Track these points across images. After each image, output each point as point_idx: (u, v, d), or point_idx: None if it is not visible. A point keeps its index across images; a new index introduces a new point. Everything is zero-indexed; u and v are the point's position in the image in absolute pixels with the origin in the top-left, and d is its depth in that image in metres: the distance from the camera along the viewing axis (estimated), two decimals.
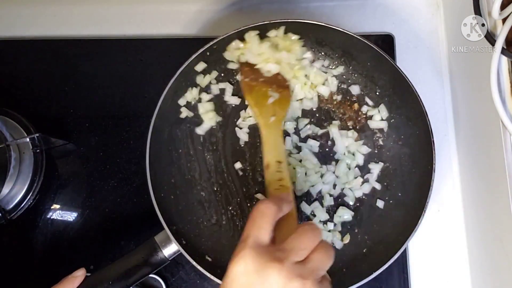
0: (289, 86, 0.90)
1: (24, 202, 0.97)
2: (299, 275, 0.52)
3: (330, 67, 0.96)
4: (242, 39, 0.89)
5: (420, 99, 0.82)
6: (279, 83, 0.89)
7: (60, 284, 0.70)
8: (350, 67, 0.95)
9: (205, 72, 0.94)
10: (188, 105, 0.94)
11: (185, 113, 0.94)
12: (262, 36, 0.89)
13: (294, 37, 0.90)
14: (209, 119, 0.95)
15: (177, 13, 1.10)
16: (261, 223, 0.57)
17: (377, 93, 0.94)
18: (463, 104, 0.98)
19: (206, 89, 0.96)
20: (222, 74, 0.96)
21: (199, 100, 0.95)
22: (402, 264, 0.93)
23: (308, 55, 0.95)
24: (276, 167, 0.74)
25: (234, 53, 0.91)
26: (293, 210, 0.66)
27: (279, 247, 0.56)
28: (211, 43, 0.86)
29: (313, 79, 0.95)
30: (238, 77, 0.93)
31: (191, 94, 0.94)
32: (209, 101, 0.96)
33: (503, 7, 0.72)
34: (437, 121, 1.00)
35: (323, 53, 0.96)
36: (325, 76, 0.96)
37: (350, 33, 0.85)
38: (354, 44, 0.88)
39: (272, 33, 0.90)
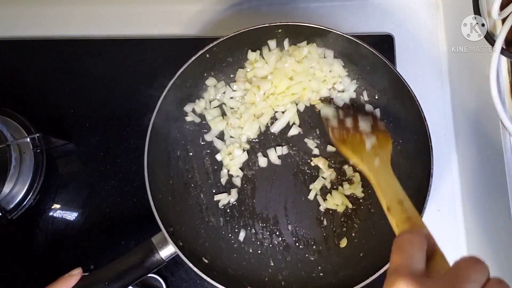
0: (385, 129, 0.85)
1: (25, 202, 0.98)
2: None
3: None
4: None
5: (419, 104, 0.82)
6: (373, 126, 0.85)
7: (56, 283, 0.69)
8: (350, 71, 0.95)
9: (214, 85, 0.96)
10: (194, 111, 0.95)
11: (191, 117, 0.95)
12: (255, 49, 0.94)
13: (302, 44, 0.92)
14: (216, 124, 0.95)
15: (178, 14, 1.10)
16: (412, 251, 0.49)
17: (376, 97, 0.94)
18: (462, 104, 0.98)
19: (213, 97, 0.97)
20: (223, 77, 0.97)
21: (205, 108, 0.96)
22: None
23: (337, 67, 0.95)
24: (399, 208, 0.64)
25: (245, 76, 0.94)
26: (438, 248, 0.54)
27: (441, 276, 0.46)
28: (211, 45, 0.86)
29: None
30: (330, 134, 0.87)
31: (199, 107, 0.95)
32: (215, 107, 0.97)
33: (502, 7, 0.72)
34: (437, 121, 1.00)
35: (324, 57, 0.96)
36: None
37: (350, 37, 0.85)
38: (354, 47, 0.87)
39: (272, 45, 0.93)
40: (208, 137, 0.95)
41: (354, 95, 0.95)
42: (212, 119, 0.95)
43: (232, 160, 0.93)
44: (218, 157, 0.95)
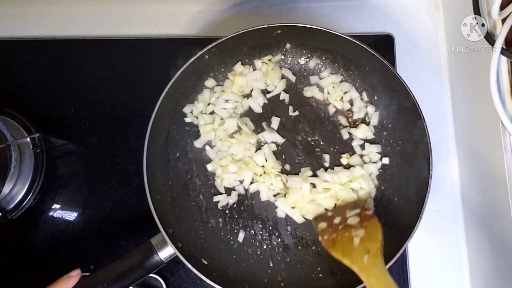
0: (373, 215, 0.83)
1: (25, 202, 0.98)
2: None
3: (331, 72, 0.96)
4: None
5: (418, 104, 0.82)
6: (361, 216, 0.82)
7: (55, 284, 0.69)
8: (349, 72, 0.95)
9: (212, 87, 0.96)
10: (193, 113, 0.95)
11: (190, 118, 0.94)
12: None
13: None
14: (206, 132, 0.94)
15: (178, 14, 1.10)
16: None
17: (376, 98, 0.94)
18: (462, 104, 0.98)
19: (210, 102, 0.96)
20: (222, 79, 0.97)
21: (202, 111, 0.95)
22: (402, 264, 0.92)
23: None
24: None
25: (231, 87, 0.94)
26: None
27: None
28: (210, 46, 0.86)
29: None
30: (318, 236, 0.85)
31: (197, 109, 0.94)
32: (210, 113, 0.96)
33: (502, 7, 0.72)
34: (437, 121, 1.00)
35: (323, 58, 0.96)
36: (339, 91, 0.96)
37: (348, 38, 0.85)
38: (352, 48, 0.87)
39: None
40: (197, 144, 0.94)
41: (356, 96, 0.95)
42: (204, 125, 0.94)
43: (227, 174, 0.92)
44: (209, 167, 0.93)
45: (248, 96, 0.96)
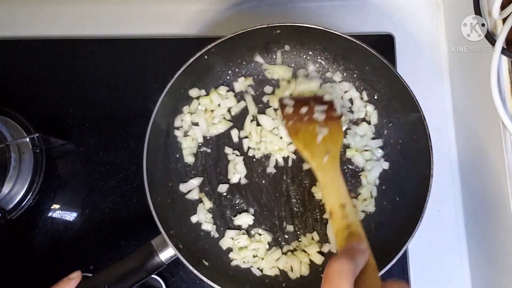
0: (339, 117, 0.83)
1: (24, 202, 0.97)
2: None
3: (330, 71, 0.96)
4: None
5: (418, 104, 0.82)
6: (327, 115, 0.81)
7: (56, 286, 0.69)
8: (349, 71, 0.95)
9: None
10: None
11: (179, 133, 0.94)
12: None
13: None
14: (186, 155, 0.93)
15: (177, 13, 1.09)
16: (339, 283, 0.51)
17: (376, 97, 0.93)
18: (463, 104, 0.98)
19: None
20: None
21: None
22: (402, 264, 0.92)
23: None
24: (341, 213, 0.65)
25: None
26: (371, 260, 0.58)
27: None
28: (209, 46, 0.85)
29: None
30: (280, 118, 0.87)
31: (185, 122, 0.94)
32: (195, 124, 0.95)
33: (503, 7, 0.72)
34: (438, 120, 1.00)
35: (323, 57, 0.95)
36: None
37: (348, 37, 0.85)
38: (352, 48, 0.87)
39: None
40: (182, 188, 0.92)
41: (356, 95, 0.95)
42: (188, 148, 0.93)
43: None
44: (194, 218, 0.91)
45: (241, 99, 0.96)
